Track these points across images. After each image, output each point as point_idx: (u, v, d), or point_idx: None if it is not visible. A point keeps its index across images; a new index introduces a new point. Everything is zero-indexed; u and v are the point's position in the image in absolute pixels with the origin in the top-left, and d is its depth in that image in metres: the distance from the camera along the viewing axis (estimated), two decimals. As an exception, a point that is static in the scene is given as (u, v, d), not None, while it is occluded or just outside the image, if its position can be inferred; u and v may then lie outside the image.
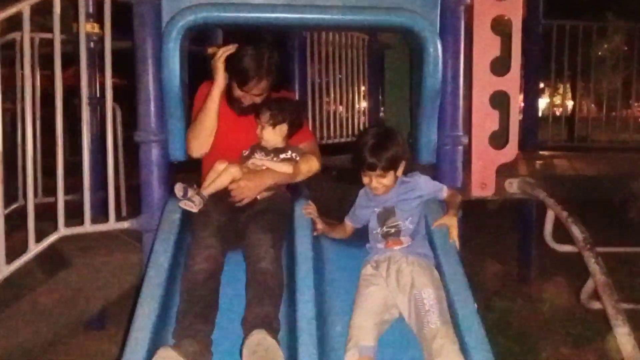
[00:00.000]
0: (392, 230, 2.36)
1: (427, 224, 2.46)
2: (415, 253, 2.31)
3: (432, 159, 2.84)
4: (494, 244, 5.85)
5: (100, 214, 2.98)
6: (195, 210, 2.42)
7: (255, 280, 2.22)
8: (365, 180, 2.39)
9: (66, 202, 2.73)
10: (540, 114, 6.64)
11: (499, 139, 2.89)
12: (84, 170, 2.77)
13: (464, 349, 2.02)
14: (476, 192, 2.90)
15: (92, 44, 3.22)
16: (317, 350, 2.02)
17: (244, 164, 2.56)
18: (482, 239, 5.72)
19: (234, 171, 2.50)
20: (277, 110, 2.56)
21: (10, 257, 2.61)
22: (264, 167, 2.55)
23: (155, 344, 2.02)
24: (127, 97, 3.02)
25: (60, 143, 2.71)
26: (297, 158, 2.59)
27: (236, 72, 2.55)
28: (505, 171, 2.93)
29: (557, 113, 6.94)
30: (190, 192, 2.49)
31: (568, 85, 7.46)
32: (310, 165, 2.64)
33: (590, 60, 5.79)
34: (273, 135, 2.57)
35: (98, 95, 3.34)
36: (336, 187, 3.84)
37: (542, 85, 7.10)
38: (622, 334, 2.11)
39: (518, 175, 2.99)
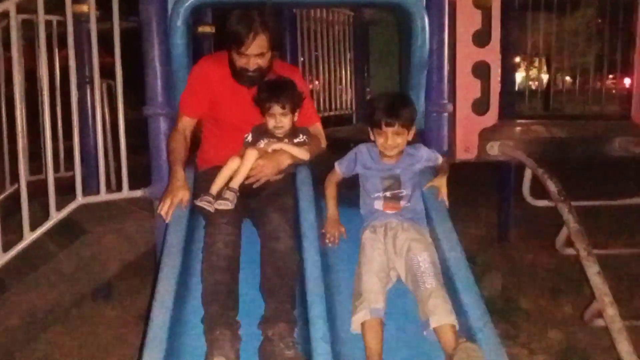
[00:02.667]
0: (395, 196, 2.52)
1: (420, 185, 2.64)
2: (409, 219, 2.48)
3: (420, 126, 3.06)
4: (473, 207, 6.14)
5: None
6: (231, 206, 2.38)
7: (272, 261, 2.30)
8: (381, 140, 2.48)
9: (60, 179, 2.93)
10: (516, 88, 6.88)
11: (481, 106, 3.14)
12: (98, 146, 2.98)
13: (458, 302, 2.20)
14: (460, 155, 3.16)
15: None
16: (325, 301, 2.17)
17: (256, 147, 2.55)
18: (460, 203, 6.01)
19: (255, 153, 2.49)
20: (294, 95, 2.53)
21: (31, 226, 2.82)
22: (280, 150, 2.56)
23: (179, 300, 2.20)
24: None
25: (76, 124, 2.92)
26: (307, 140, 2.63)
27: (231, 37, 2.48)
28: (486, 136, 3.18)
29: (533, 86, 7.10)
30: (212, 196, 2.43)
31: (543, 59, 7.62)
32: (319, 148, 2.75)
33: (564, 34, 5.97)
34: (290, 120, 2.55)
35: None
36: (327, 156, 4.08)
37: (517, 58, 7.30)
38: (592, 272, 2.40)
39: (498, 139, 3.23)
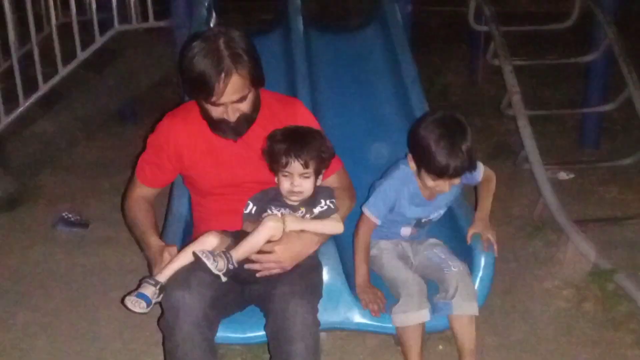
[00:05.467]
0: (419, 224, 2.24)
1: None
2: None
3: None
4: (448, 56, 6.85)
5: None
6: (218, 273, 1.67)
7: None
8: (430, 183, 2.00)
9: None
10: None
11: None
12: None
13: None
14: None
15: None
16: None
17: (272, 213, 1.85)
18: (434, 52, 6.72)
19: (279, 226, 1.77)
20: (322, 150, 1.84)
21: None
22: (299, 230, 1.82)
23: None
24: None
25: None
26: (334, 203, 1.89)
27: (196, 85, 1.74)
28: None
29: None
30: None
31: None
32: (349, 207, 2.01)
33: None
34: (312, 185, 1.84)
35: None
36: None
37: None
38: (507, 71, 3.21)
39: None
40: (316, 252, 1.93)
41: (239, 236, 1.79)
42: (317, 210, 1.86)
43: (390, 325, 2.07)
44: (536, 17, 4.31)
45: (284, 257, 1.77)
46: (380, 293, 2.05)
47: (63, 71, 3.51)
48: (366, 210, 2.10)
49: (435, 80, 5.82)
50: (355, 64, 3.38)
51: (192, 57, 1.71)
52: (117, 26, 3.67)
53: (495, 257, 2.11)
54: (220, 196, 1.96)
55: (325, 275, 2.02)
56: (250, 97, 1.80)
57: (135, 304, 1.66)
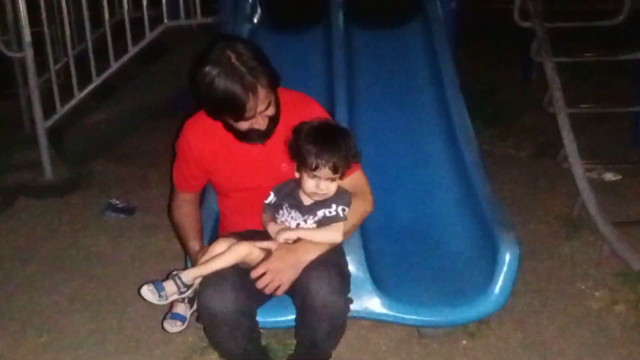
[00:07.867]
0: None
1: None
2: None
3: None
4: (501, 53, 6.73)
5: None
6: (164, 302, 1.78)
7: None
8: None
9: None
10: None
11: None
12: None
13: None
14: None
15: None
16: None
17: (269, 227, 1.87)
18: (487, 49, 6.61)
19: (245, 250, 1.78)
20: (350, 153, 1.78)
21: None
22: (296, 238, 1.80)
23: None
24: None
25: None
26: (345, 211, 1.82)
27: (225, 107, 1.74)
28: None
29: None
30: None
31: None
32: (362, 213, 1.94)
33: None
34: (336, 187, 1.81)
35: None
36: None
37: None
38: (548, 67, 3.15)
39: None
40: (340, 243, 1.93)
41: (264, 237, 1.86)
42: (321, 213, 1.81)
43: (412, 317, 2.12)
44: (587, 14, 4.17)
45: (281, 273, 1.77)
46: None
47: (115, 65, 3.68)
48: None
49: (484, 76, 5.76)
50: (396, 60, 3.39)
51: (211, 82, 1.68)
52: (166, 21, 3.81)
53: (520, 255, 2.11)
54: (240, 198, 2.02)
55: (349, 265, 2.05)
56: (273, 101, 1.79)
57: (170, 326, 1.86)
